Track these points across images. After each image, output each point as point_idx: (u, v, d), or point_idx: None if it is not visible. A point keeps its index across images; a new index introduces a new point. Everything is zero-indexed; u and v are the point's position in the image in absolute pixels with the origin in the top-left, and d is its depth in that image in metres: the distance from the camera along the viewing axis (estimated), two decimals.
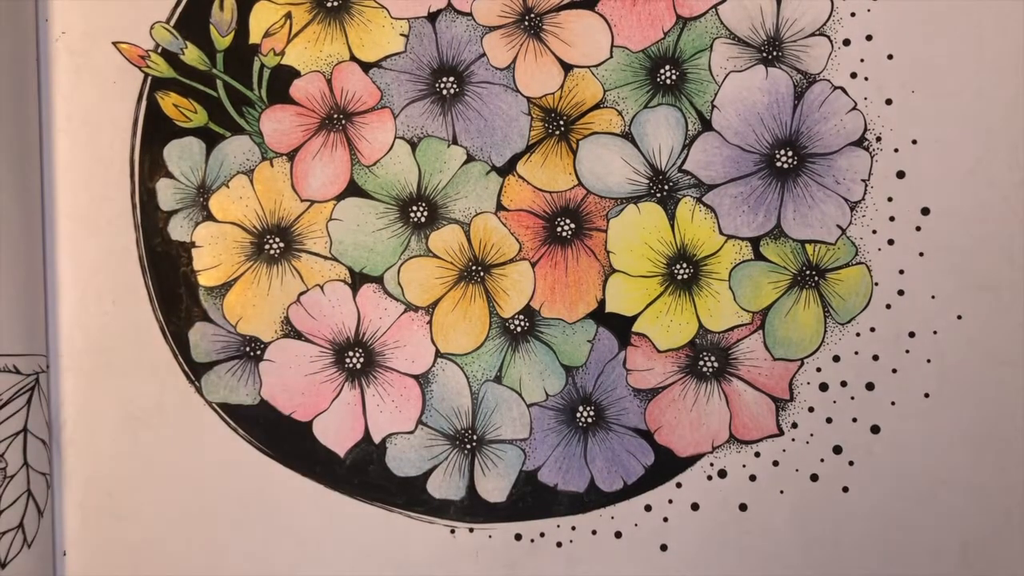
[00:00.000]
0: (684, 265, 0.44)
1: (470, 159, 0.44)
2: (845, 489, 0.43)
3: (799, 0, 0.43)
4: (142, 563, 0.44)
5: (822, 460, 0.44)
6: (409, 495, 0.44)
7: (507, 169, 0.44)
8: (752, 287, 0.44)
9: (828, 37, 0.43)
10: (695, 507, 0.44)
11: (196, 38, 0.44)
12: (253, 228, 0.44)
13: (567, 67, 0.44)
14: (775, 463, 0.44)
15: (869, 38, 0.43)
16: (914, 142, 0.43)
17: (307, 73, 0.44)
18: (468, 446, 0.44)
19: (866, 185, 0.43)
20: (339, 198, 0.44)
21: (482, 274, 0.44)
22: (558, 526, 0.44)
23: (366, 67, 0.44)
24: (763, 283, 0.44)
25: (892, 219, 0.43)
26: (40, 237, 0.44)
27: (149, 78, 0.44)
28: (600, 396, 0.44)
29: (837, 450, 0.43)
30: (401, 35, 0.44)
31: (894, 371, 0.43)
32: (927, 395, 0.43)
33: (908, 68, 0.43)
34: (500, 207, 0.44)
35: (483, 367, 0.44)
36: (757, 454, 0.44)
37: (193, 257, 0.44)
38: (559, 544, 0.44)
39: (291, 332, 0.44)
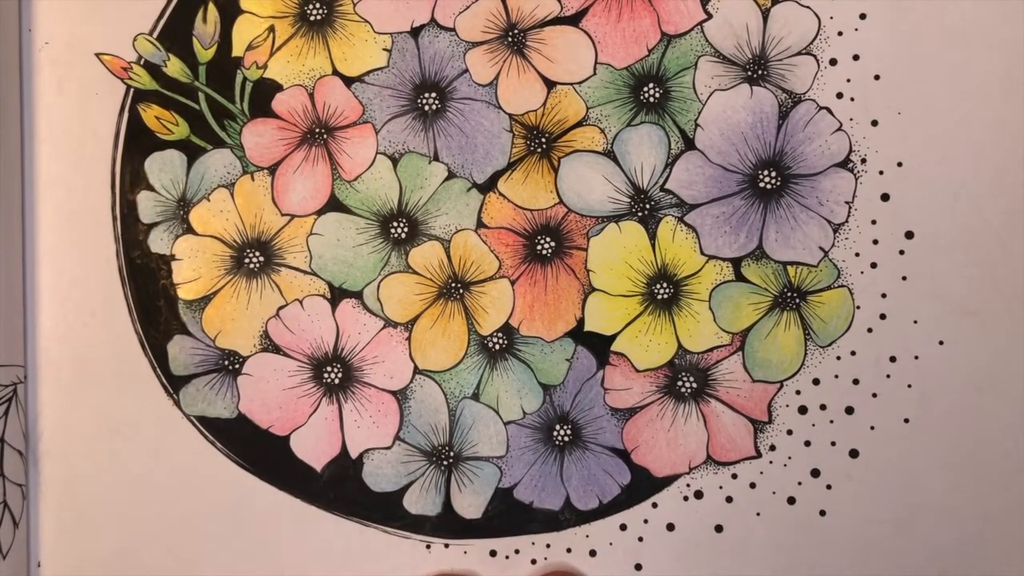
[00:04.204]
0: (664, 285, 0.43)
1: (451, 176, 0.43)
2: (822, 513, 0.43)
3: (785, 19, 0.43)
4: (117, 575, 0.44)
5: (800, 483, 0.43)
6: (385, 510, 0.44)
7: (488, 186, 0.43)
8: (732, 308, 0.43)
9: (814, 56, 0.43)
10: (671, 527, 0.44)
11: (179, 50, 0.44)
12: (233, 242, 0.44)
13: (550, 84, 0.43)
14: (752, 485, 0.43)
15: (856, 58, 0.43)
16: (899, 165, 0.43)
17: (289, 87, 0.44)
18: (445, 462, 0.44)
19: (850, 207, 0.43)
20: (319, 213, 0.44)
21: (461, 291, 0.44)
22: (533, 543, 0.44)
23: (348, 81, 0.44)
24: (743, 304, 0.43)
25: (875, 242, 0.43)
26: (20, 247, 0.44)
27: (131, 90, 0.44)
28: (577, 415, 0.44)
29: (815, 473, 0.43)
30: (384, 50, 0.44)
31: (874, 395, 0.43)
32: (907, 420, 0.43)
33: (895, 89, 0.43)
34: (480, 224, 0.44)
35: (461, 384, 0.44)
36: (734, 476, 0.44)
37: (173, 270, 0.44)
38: (533, 561, 0.44)
39: (270, 346, 0.44)
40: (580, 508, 0.44)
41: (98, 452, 0.44)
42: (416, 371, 0.44)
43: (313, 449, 0.44)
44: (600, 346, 0.43)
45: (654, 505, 0.44)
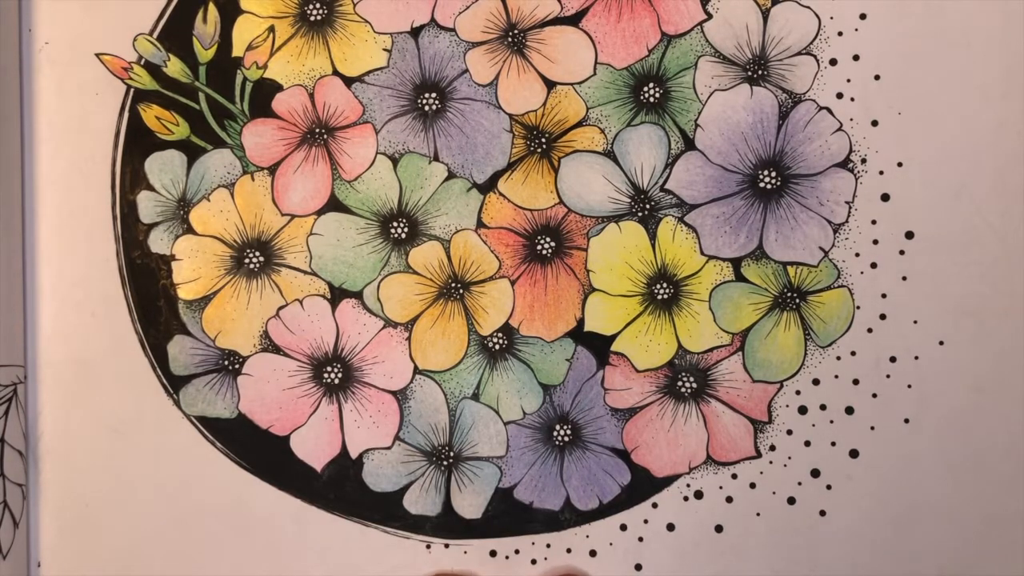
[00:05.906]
0: (664, 285, 0.43)
1: (451, 176, 0.43)
2: (822, 513, 0.43)
3: (785, 19, 0.43)
4: (117, 575, 0.44)
5: (799, 483, 0.43)
6: (385, 510, 0.44)
7: (488, 186, 0.43)
8: (732, 308, 0.43)
9: (814, 56, 0.43)
10: (671, 527, 0.44)
11: (179, 51, 0.44)
12: (233, 242, 0.44)
13: (550, 84, 0.43)
14: (752, 485, 0.43)
15: (856, 58, 0.43)
16: (899, 165, 0.43)
17: (289, 87, 0.44)
18: (445, 463, 0.44)
19: (850, 207, 0.43)
20: (319, 213, 0.44)
21: (461, 291, 0.44)
22: (533, 543, 0.44)
23: (348, 81, 0.44)
24: (744, 304, 0.43)
25: (876, 242, 0.43)
26: (20, 247, 0.44)
27: (132, 90, 0.44)
28: (577, 415, 0.44)
29: (815, 474, 0.43)
30: (384, 50, 0.44)
31: (874, 396, 0.43)
32: (907, 420, 0.43)
33: (895, 89, 0.43)
34: (480, 224, 0.44)
35: (461, 384, 0.44)
36: (734, 476, 0.44)
37: (173, 270, 0.44)
38: (533, 561, 0.44)
39: (270, 346, 0.44)
40: (580, 508, 0.44)
41: (98, 452, 0.44)
42: (416, 371, 0.44)
43: (313, 449, 0.44)
44: (600, 346, 0.43)
45: (654, 505, 0.44)
